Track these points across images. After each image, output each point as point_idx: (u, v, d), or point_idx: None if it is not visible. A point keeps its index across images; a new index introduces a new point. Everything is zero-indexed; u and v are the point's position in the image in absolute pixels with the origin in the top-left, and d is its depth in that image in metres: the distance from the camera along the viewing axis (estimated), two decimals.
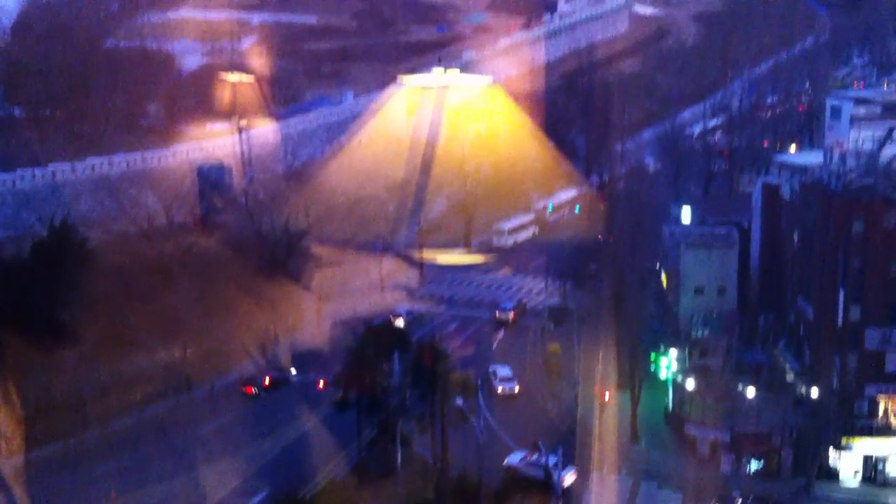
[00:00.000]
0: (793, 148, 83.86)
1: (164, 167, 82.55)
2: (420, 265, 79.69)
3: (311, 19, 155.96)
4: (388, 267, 78.08)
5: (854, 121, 60.29)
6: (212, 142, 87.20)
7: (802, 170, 59.07)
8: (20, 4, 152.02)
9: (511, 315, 72.41)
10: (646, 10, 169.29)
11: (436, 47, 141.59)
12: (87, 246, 62.20)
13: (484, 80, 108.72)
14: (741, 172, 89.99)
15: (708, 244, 63.17)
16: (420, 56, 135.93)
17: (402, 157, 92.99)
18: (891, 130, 57.57)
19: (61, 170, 76.18)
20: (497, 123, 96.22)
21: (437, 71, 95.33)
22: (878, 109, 61.82)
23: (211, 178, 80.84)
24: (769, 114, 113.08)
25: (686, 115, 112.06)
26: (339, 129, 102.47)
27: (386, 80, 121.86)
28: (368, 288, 74.19)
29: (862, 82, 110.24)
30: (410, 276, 79.11)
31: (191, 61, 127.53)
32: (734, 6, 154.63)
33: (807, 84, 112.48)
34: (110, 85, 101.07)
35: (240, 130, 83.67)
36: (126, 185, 77.33)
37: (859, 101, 62.44)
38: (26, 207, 71.48)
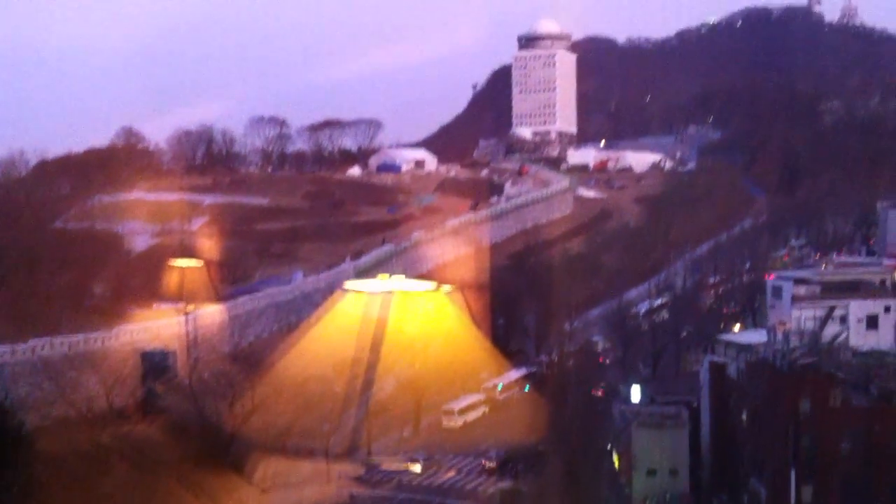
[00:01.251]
0: (737, 327, 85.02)
1: (107, 349, 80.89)
2: (368, 451, 77.81)
3: (262, 200, 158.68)
4: (336, 453, 76.02)
5: (795, 300, 61.59)
6: (157, 323, 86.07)
7: (747, 348, 59.66)
8: None
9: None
10: (589, 192, 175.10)
11: (386, 227, 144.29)
12: (24, 430, 59.97)
13: (429, 285, 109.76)
14: (688, 351, 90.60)
15: (659, 424, 62.70)
16: (370, 236, 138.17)
17: (352, 335, 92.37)
18: (831, 309, 58.88)
19: (1, 351, 74.36)
20: (445, 314, 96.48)
21: (382, 276, 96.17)
22: (817, 289, 63.28)
23: (154, 361, 79.37)
24: (712, 293, 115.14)
25: (632, 293, 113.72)
26: (288, 309, 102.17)
27: (336, 259, 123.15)
28: (314, 476, 71.91)
29: (800, 262, 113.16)
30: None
31: (140, 242, 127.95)
32: (675, 190, 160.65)
33: (748, 264, 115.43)
34: (57, 265, 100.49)
35: (186, 311, 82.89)
36: (67, 367, 75.36)
37: (799, 281, 63.93)
38: None
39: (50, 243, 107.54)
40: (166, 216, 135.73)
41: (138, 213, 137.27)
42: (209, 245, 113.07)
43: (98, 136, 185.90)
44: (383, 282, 68.89)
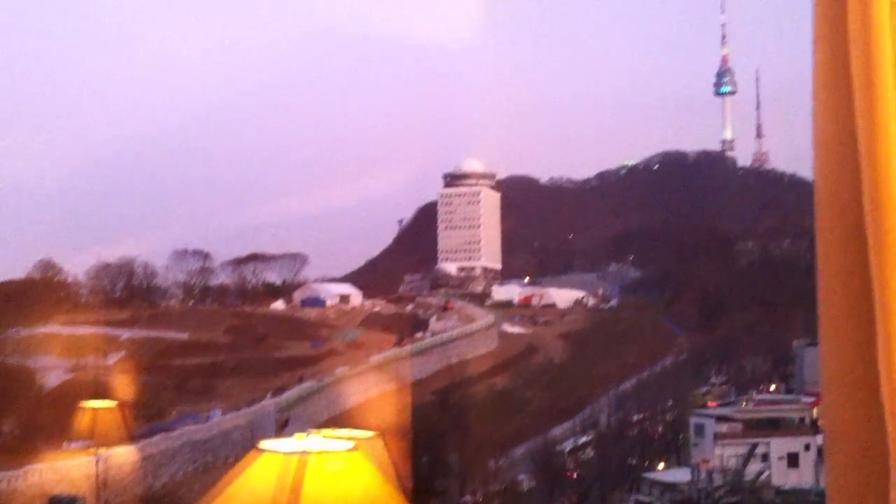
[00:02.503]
0: (661, 465, 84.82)
1: (13, 490, 76.98)
2: None
3: (182, 335, 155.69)
4: None
5: (718, 438, 61.87)
6: (67, 463, 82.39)
7: (672, 487, 59.48)
8: None
9: None
10: (514, 328, 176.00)
11: (309, 363, 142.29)
12: None
13: (347, 444, 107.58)
14: (613, 490, 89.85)
15: None
16: (293, 371, 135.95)
17: (266, 500, 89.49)
18: (753, 447, 59.22)
19: None
20: (363, 472, 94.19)
21: (299, 435, 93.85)
22: (739, 427, 63.79)
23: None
24: (636, 430, 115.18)
25: (557, 430, 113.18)
26: (205, 448, 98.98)
27: (257, 396, 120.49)
28: None
29: (721, 400, 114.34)
30: None
31: (53, 377, 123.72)
32: (598, 326, 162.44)
33: (670, 402, 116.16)
34: None
35: (97, 452, 79.71)
36: None
37: (721, 419, 64.43)
38: None
39: None
40: (81, 351, 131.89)
41: (52, 347, 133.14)
42: (125, 381, 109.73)
43: (15, 268, 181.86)
44: (300, 441, 66.96)
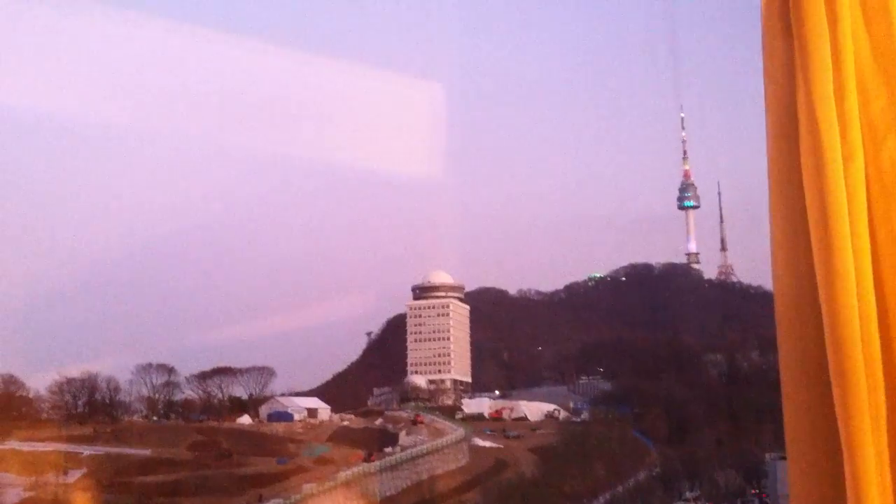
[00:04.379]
0: None
1: None
2: None
3: (145, 451, 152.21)
4: None
5: None
6: None
7: None
8: None
9: None
10: (485, 442, 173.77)
11: (275, 479, 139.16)
12: None
13: None
14: None
15: None
16: (258, 488, 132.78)
17: None
18: None
19: None
20: None
21: None
22: None
23: None
24: None
25: None
26: None
27: None
28: None
29: None
30: None
31: (11, 495, 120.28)
32: (569, 440, 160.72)
33: None
34: None
35: None
36: None
37: None
38: None
39: None
40: (41, 468, 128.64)
41: (11, 464, 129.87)
42: (85, 500, 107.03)
43: None
44: None
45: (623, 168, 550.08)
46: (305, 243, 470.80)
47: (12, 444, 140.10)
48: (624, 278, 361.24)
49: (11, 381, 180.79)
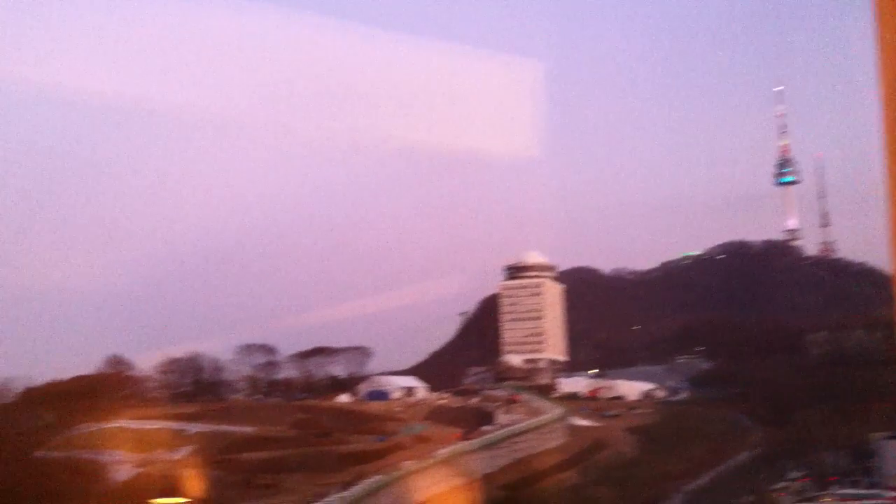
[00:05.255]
0: None
1: None
2: None
3: (248, 428, 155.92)
4: None
5: None
6: None
7: None
8: None
9: None
10: (581, 421, 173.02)
11: (374, 457, 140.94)
12: None
13: None
14: None
15: None
16: (358, 465, 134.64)
17: None
18: None
19: None
20: None
21: None
22: None
23: None
24: None
25: None
26: None
27: (322, 490, 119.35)
28: None
29: (800, 495, 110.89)
30: None
31: (122, 472, 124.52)
32: (668, 420, 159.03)
33: (752, 497, 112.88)
34: (36, 497, 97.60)
35: None
36: None
37: None
38: None
39: (30, 474, 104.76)
40: (150, 445, 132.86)
41: (122, 442, 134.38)
42: (193, 476, 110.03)
43: (86, 364, 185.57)
44: None
45: (718, 145, 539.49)
46: (401, 225, 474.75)
47: (123, 423, 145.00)
48: (720, 256, 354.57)
49: (120, 361, 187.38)
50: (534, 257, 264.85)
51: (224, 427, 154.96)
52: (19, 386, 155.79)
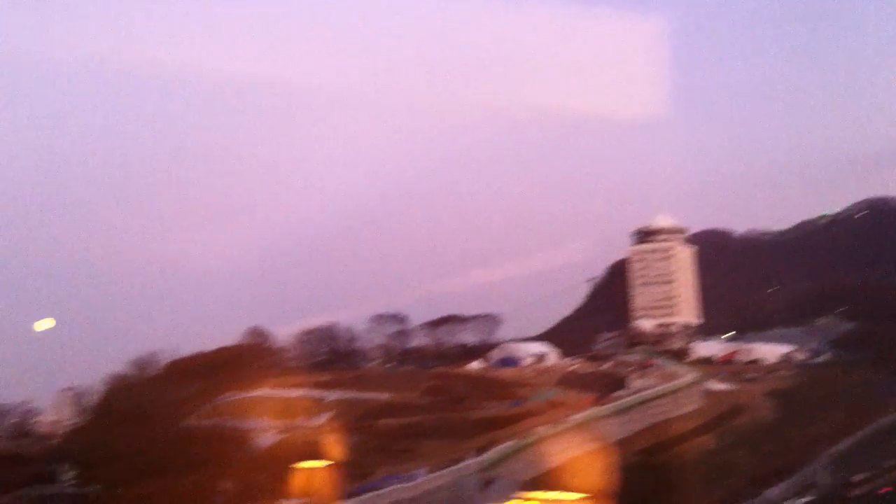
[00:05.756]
0: None
1: None
2: None
3: (383, 396, 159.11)
4: None
5: None
6: None
7: None
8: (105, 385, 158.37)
9: None
10: (717, 386, 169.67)
11: (507, 422, 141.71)
12: None
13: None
14: None
15: None
16: (491, 431, 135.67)
17: None
18: None
19: None
20: None
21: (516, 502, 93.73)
22: None
23: None
24: (856, 492, 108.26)
25: (773, 492, 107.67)
26: None
27: (457, 455, 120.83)
28: None
29: None
30: None
31: (266, 439, 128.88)
32: (809, 383, 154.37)
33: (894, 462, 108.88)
34: (185, 464, 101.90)
35: None
36: None
37: None
38: None
39: (178, 442, 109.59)
40: (291, 413, 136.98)
41: (264, 410, 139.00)
42: (333, 442, 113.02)
43: (227, 336, 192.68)
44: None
45: (856, 99, 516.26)
46: (530, 190, 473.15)
47: (264, 392, 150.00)
48: (860, 214, 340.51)
49: (260, 333, 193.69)
50: (663, 220, 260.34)
51: (360, 395, 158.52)
52: (166, 358, 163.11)
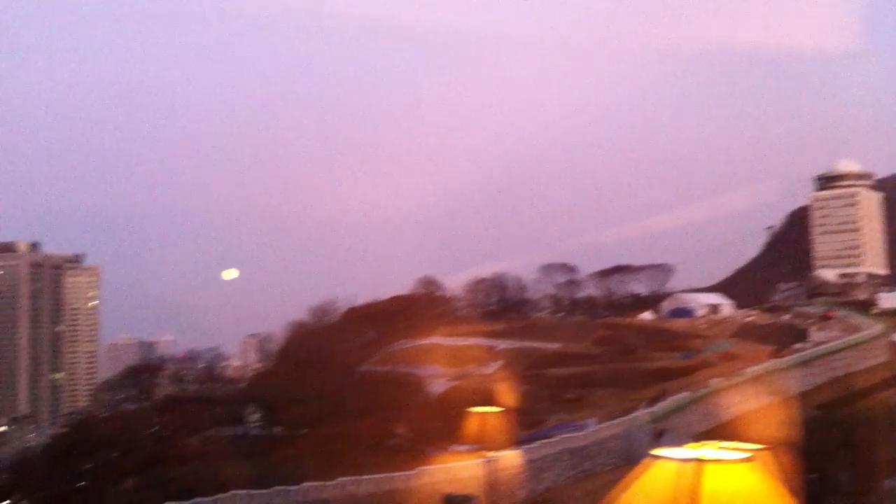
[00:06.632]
0: None
1: (408, 489, 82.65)
2: None
3: (553, 345, 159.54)
4: None
5: None
6: (456, 465, 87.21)
7: None
8: (287, 332, 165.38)
9: None
10: None
11: (679, 374, 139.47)
12: None
13: (740, 454, 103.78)
14: None
15: None
16: (663, 382, 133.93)
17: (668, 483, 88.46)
18: None
19: (313, 488, 77.84)
20: (758, 483, 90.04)
21: (692, 445, 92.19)
22: None
23: (454, 503, 79.74)
24: None
25: None
26: (583, 456, 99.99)
27: (628, 406, 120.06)
28: None
29: None
30: None
31: (438, 385, 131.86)
32: None
33: None
34: (362, 407, 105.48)
35: (484, 456, 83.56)
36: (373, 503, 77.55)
37: None
38: None
39: (356, 387, 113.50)
40: (462, 360, 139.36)
41: (436, 357, 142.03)
42: (504, 389, 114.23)
43: (400, 285, 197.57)
44: (693, 449, 65.36)
45: None
46: (705, 133, 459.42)
47: (436, 340, 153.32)
48: None
49: (431, 282, 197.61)
50: (848, 165, 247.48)
51: (530, 344, 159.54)
52: (343, 306, 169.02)
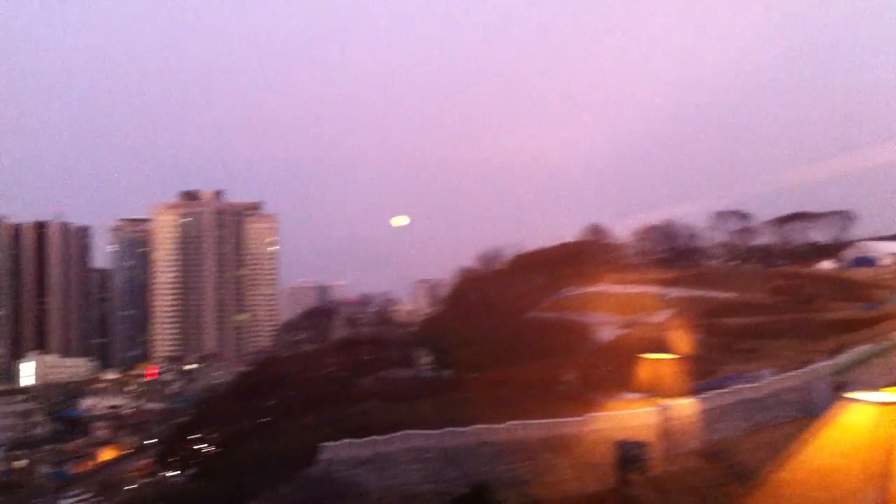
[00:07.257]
0: None
1: (577, 435, 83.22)
2: None
3: (726, 294, 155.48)
4: None
5: None
6: (625, 412, 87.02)
7: None
8: (456, 278, 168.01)
9: None
10: None
11: (860, 326, 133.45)
12: None
13: None
14: None
15: None
16: (843, 333, 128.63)
17: (859, 450, 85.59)
18: None
19: (483, 430, 79.61)
20: None
21: (888, 389, 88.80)
22: None
23: (627, 451, 79.71)
24: None
25: None
26: (757, 408, 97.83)
27: (806, 357, 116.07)
28: None
29: None
30: None
31: (606, 333, 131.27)
32: None
33: None
34: (531, 353, 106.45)
35: (656, 404, 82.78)
36: (541, 449, 78.58)
37: None
38: (450, 464, 75.00)
39: (525, 332, 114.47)
40: (631, 308, 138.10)
41: (604, 305, 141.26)
42: (674, 338, 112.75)
43: (569, 232, 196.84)
44: (888, 394, 62.97)
45: None
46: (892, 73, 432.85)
47: (604, 287, 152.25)
48: None
49: (598, 230, 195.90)
50: None
51: (701, 292, 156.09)
52: (511, 253, 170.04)
